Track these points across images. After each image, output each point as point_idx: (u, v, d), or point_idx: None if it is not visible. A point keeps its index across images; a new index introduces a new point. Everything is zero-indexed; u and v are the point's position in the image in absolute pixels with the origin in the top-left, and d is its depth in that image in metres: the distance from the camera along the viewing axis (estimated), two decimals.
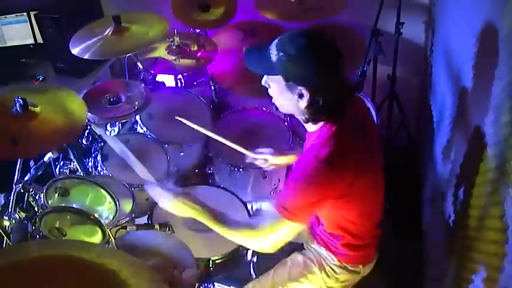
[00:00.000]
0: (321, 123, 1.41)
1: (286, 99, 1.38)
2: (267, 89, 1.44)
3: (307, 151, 1.43)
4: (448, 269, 1.79)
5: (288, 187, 1.43)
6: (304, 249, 1.76)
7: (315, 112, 1.37)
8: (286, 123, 2.42)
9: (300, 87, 1.32)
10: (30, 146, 1.58)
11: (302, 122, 1.47)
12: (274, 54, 1.32)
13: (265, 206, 1.97)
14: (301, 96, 1.33)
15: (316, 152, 1.35)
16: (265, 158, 1.82)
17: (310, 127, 1.47)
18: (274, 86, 1.39)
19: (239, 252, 1.87)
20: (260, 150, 1.85)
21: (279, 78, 1.35)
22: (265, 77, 1.42)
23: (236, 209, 1.99)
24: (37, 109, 1.65)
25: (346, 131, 1.38)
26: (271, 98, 1.45)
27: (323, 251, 1.67)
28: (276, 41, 1.35)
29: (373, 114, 2.34)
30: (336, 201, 1.41)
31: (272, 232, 1.40)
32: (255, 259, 1.88)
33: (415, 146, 2.85)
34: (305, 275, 1.66)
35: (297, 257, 1.73)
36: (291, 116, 2.27)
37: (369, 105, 2.40)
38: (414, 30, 2.81)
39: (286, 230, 1.40)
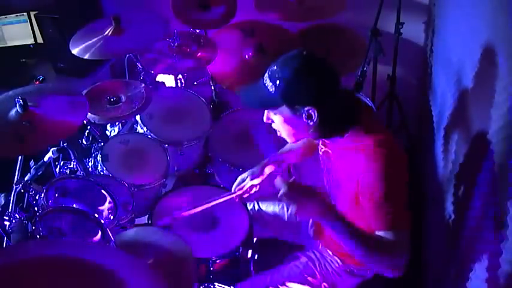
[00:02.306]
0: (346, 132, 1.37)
1: (294, 126, 1.36)
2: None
3: (356, 167, 1.34)
4: (448, 269, 1.79)
5: (378, 205, 1.30)
6: (307, 250, 1.75)
7: (328, 126, 1.35)
8: None
9: (306, 108, 1.30)
10: (35, 141, 1.61)
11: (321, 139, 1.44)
12: (270, 85, 1.31)
13: (264, 206, 1.96)
14: (309, 116, 1.31)
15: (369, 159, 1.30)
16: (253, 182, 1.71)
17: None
18: (278, 117, 1.36)
19: (239, 252, 1.87)
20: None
21: (283, 107, 1.32)
22: (265, 113, 1.40)
23: (236, 208, 1.98)
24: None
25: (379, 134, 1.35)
26: None
27: (328, 254, 1.66)
28: (267, 74, 1.33)
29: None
30: None
31: (400, 248, 1.28)
32: (255, 257, 1.88)
33: (415, 146, 2.85)
34: (304, 277, 1.64)
35: (299, 258, 1.71)
36: None
37: (369, 105, 2.40)
38: (414, 30, 2.81)
39: (406, 237, 1.29)
